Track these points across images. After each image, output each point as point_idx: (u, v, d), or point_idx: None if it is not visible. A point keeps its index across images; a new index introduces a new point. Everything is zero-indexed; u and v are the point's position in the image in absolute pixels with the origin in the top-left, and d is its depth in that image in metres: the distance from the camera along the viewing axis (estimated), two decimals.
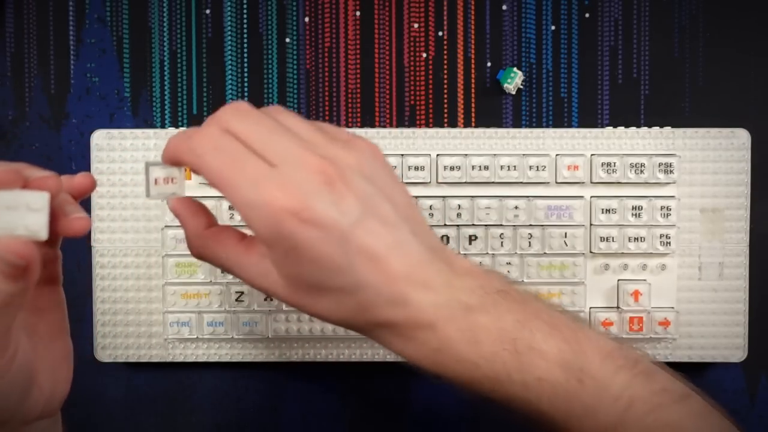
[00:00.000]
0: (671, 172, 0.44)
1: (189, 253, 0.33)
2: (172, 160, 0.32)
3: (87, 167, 0.45)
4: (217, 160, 0.29)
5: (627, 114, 0.47)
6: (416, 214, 0.32)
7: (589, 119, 0.47)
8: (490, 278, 0.31)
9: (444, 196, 0.44)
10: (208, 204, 0.46)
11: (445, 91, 0.47)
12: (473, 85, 0.47)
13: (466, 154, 0.44)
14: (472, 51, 0.47)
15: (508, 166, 0.44)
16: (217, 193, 0.30)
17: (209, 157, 0.29)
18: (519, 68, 0.47)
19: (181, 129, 0.33)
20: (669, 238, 0.44)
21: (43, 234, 0.27)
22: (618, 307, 0.45)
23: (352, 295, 0.29)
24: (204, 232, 0.33)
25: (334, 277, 0.29)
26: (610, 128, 0.45)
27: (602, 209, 0.44)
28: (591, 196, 0.44)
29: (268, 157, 0.29)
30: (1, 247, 0.26)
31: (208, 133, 0.30)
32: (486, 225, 0.44)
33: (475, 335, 0.29)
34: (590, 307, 0.45)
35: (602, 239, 0.44)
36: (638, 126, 0.46)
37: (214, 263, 0.33)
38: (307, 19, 0.47)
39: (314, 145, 0.30)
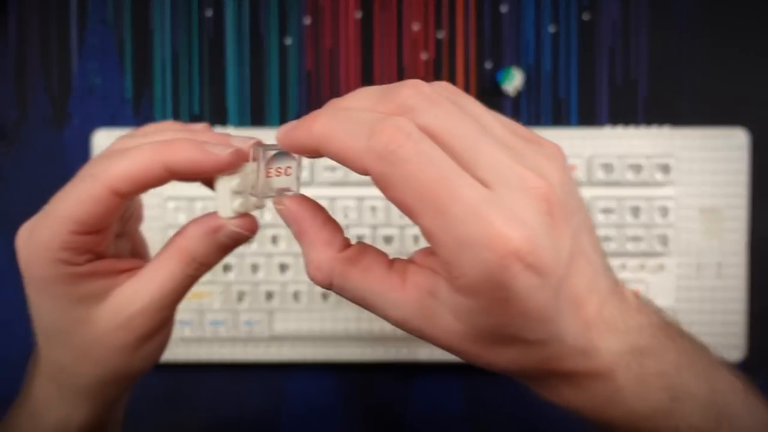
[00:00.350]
0: (669, 172, 0.44)
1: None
2: (312, 151, 0.24)
3: None
4: (422, 173, 0.21)
5: (626, 114, 0.47)
6: (597, 236, 0.26)
7: (588, 120, 0.47)
8: (650, 312, 0.27)
9: None
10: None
11: None
12: (473, 86, 0.47)
13: None
14: (472, 52, 0.47)
15: None
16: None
17: (414, 167, 0.21)
18: (518, 69, 0.47)
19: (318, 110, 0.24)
20: (667, 238, 0.44)
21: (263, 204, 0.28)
22: None
23: (545, 346, 0.24)
24: (340, 254, 0.25)
25: (538, 329, 0.23)
26: (608, 128, 0.45)
27: (601, 209, 0.44)
28: (590, 196, 0.45)
29: (479, 172, 0.22)
30: (237, 224, 0.27)
31: (400, 128, 0.22)
32: None
33: (645, 384, 0.26)
34: None
35: (601, 239, 0.44)
36: (637, 126, 0.46)
37: (348, 296, 0.25)
38: (307, 21, 0.47)
39: (519, 154, 0.23)
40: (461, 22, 0.47)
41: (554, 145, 0.26)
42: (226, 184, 0.26)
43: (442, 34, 0.47)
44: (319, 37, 0.47)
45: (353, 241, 0.26)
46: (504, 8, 0.47)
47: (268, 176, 0.26)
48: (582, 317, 0.24)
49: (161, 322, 0.29)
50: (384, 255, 0.26)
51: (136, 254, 0.33)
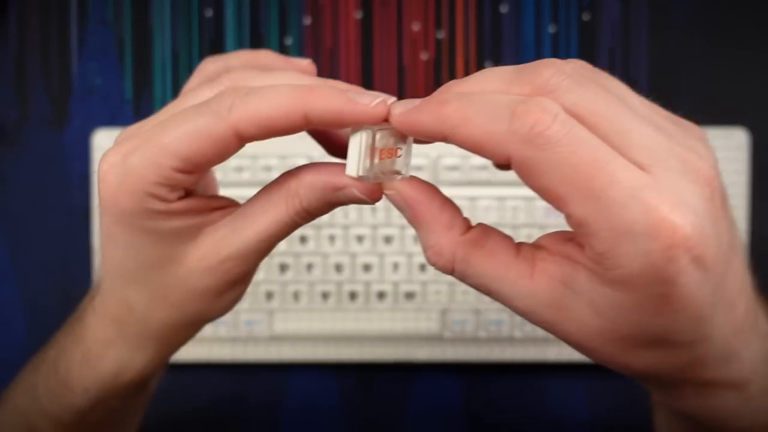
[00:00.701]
0: None
1: None
2: (436, 135, 0.22)
3: (88, 167, 0.46)
4: (575, 156, 0.19)
5: None
6: None
7: None
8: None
9: None
10: None
11: None
12: None
13: (466, 155, 0.44)
14: (472, 52, 0.47)
15: None
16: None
17: (565, 149, 0.19)
18: None
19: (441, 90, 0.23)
20: None
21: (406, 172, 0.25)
22: None
23: (692, 349, 0.22)
24: (462, 237, 0.23)
25: (690, 329, 0.21)
26: None
27: None
28: None
29: (634, 155, 0.20)
30: (363, 191, 0.24)
31: (546, 109, 0.20)
32: None
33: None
34: None
35: None
36: None
37: (471, 282, 0.23)
38: (307, 21, 0.47)
39: (671, 135, 0.21)
40: (461, 22, 0.47)
41: (697, 127, 0.23)
42: (363, 139, 0.23)
43: (442, 34, 0.47)
44: (319, 37, 0.47)
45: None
46: (504, 8, 0.47)
47: (380, 158, 0.23)
48: (732, 320, 0.22)
49: (251, 268, 0.26)
50: (510, 239, 0.23)
51: (207, 189, 0.30)
